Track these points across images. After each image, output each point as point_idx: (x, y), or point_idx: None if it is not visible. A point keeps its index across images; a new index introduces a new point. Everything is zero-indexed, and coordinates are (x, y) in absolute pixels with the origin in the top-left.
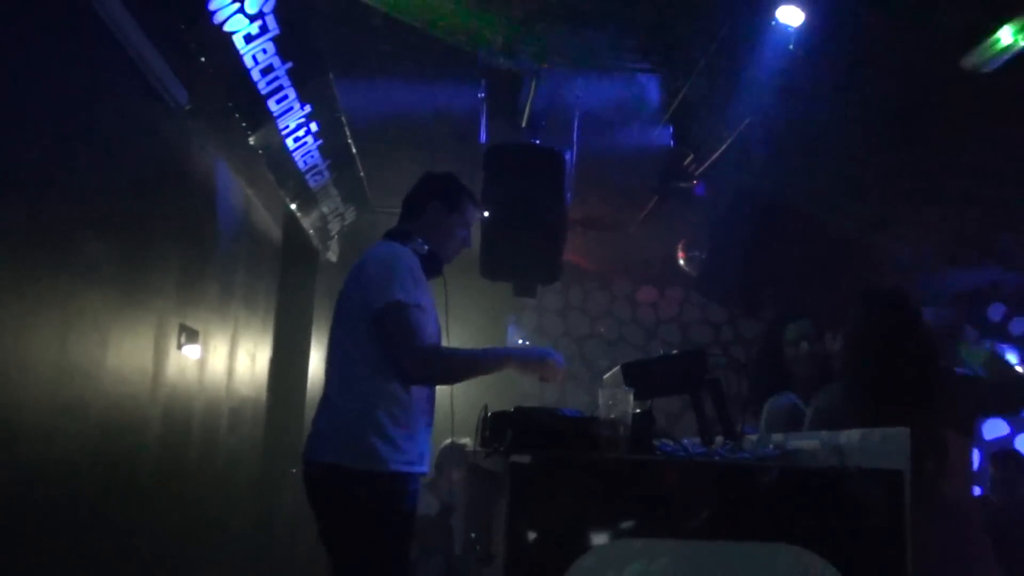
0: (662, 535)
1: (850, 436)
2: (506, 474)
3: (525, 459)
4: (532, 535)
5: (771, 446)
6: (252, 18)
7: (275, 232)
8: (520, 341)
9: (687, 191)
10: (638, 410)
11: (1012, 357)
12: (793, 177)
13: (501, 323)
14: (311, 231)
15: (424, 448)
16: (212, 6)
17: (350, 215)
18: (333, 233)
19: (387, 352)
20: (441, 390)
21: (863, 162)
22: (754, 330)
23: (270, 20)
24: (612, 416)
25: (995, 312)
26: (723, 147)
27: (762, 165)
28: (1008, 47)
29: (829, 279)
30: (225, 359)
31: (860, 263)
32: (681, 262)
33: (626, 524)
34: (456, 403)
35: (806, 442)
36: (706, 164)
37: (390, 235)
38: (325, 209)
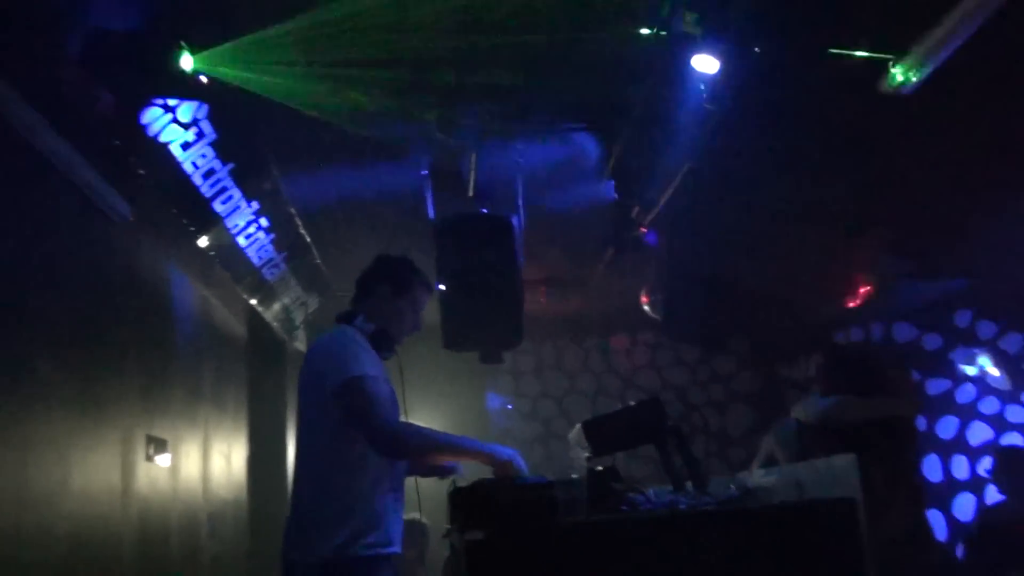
0: None
1: (806, 468)
2: (462, 552)
3: (478, 535)
4: None
5: (732, 487)
6: (186, 126)
7: (238, 328)
8: (509, 406)
9: (639, 240)
10: (599, 467)
11: (985, 360)
12: (735, 216)
13: (479, 391)
14: (275, 323)
15: (395, 529)
16: (145, 119)
17: (313, 303)
18: (298, 322)
19: (353, 426)
20: None
21: (805, 191)
22: (729, 365)
23: (205, 125)
24: (568, 479)
25: (962, 319)
26: (665, 196)
27: (705, 209)
28: (905, 82)
29: (787, 309)
30: (199, 464)
31: (819, 289)
32: (646, 308)
33: None
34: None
35: (766, 479)
36: (652, 214)
37: (337, 319)
38: (286, 300)
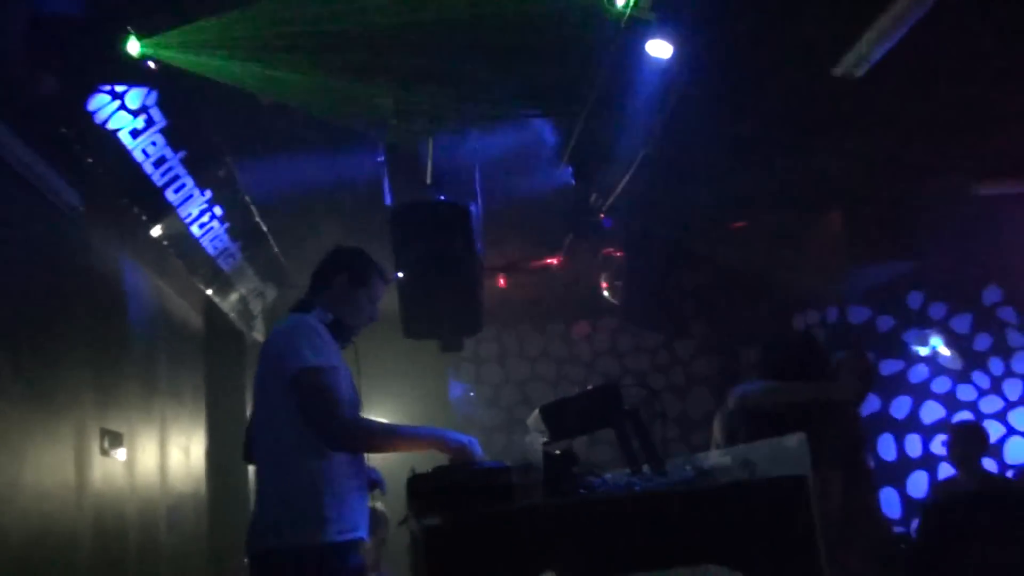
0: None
1: (757, 448)
2: (420, 538)
3: (435, 522)
4: None
5: (688, 469)
6: (135, 113)
7: (195, 319)
8: (472, 393)
9: (597, 226)
10: (558, 451)
11: (937, 340)
12: (692, 201)
13: (441, 378)
14: (232, 314)
15: (359, 514)
16: (92, 106)
17: (271, 293)
18: (256, 313)
19: (305, 419)
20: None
21: (761, 176)
22: (689, 350)
23: (155, 112)
24: (525, 463)
25: (914, 300)
26: (623, 181)
27: (663, 194)
28: (857, 65)
29: (746, 293)
30: (156, 457)
31: (773, 273)
32: (605, 293)
33: (550, 570)
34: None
35: (720, 459)
36: (611, 199)
37: (293, 308)
38: (244, 290)
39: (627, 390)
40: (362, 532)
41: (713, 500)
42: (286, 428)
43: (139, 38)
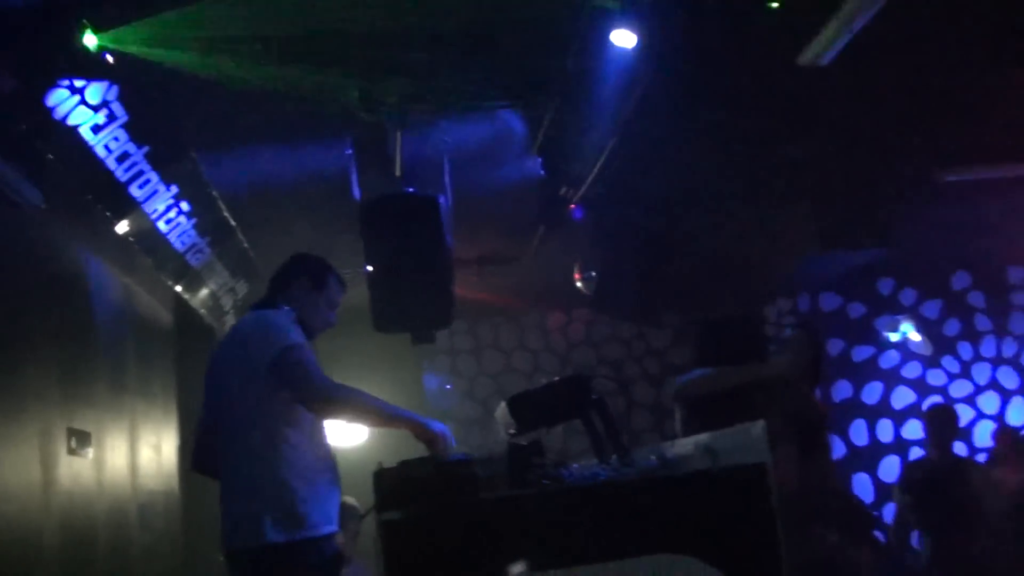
0: (550, 566)
1: (718, 437)
2: (379, 532)
3: (393, 515)
4: None
5: (653, 458)
6: (96, 108)
7: (164, 316)
8: (448, 386)
9: (568, 217)
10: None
11: (908, 326)
12: (663, 191)
13: (416, 372)
14: (203, 310)
15: (332, 507)
16: (50, 101)
17: (241, 288)
18: (227, 308)
19: (293, 389)
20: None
21: (720, 166)
22: (664, 340)
23: (116, 107)
24: (489, 455)
25: (885, 287)
26: (594, 171)
27: (634, 185)
28: (823, 52)
29: (718, 282)
30: (126, 456)
31: (744, 263)
32: (578, 284)
33: (510, 561)
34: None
35: (684, 449)
36: (581, 190)
37: (254, 306)
38: (214, 286)
39: (595, 381)
40: (335, 525)
41: (674, 489)
42: (258, 425)
43: (96, 31)
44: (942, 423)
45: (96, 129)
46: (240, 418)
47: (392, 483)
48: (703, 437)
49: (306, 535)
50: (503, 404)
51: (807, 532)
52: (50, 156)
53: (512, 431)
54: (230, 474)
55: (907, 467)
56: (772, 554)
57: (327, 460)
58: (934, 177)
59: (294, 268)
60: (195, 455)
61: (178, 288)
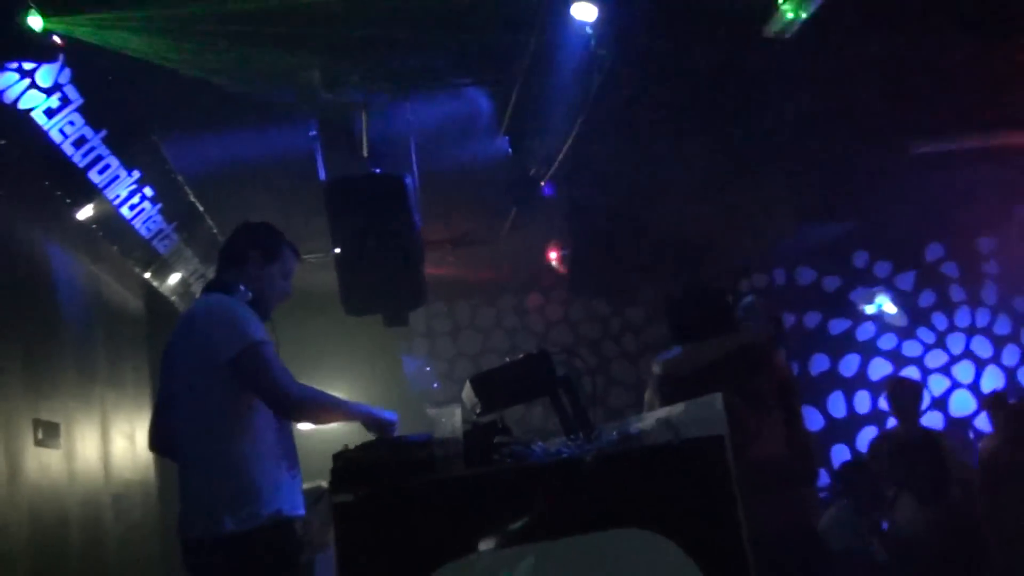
0: (510, 543)
1: (676, 410)
2: (332, 515)
3: (347, 498)
4: (366, 573)
5: (614, 433)
6: (48, 91)
7: (134, 304)
8: (428, 369)
9: (539, 195)
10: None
11: (883, 298)
12: (634, 167)
13: (395, 355)
14: (174, 297)
15: (292, 492)
16: None
17: (212, 274)
18: (198, 294)
19: (255, 391)
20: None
21: (691, 141)
22: (640, 316)
23: (70, 91)
24: (446, 435)
25: (859, 259)
26: (563, 149)
27: (603, 161)
28: (795, 19)
29: (692, 258)
30: (97, 446)
31: (717, 238)
32: (553, 263)
33: (467, 541)
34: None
35: (646, 424)
36: (552, 167)
37: (211, 288)
38: (184, 272)
39: (558, 357)
40: (299, 510)
41: (632, 464)
42: (214, 412)
43: (40, 12)
44: (903, 395)
45: (50, 113)
46: (196, 405)
47: (347, 465)
48: (663, 411)
49: (263, 523)
50: (467, 383)
51: (795, 494)
52: (2, 141)
53: (478, 411)
54: (186, 460)
55: (875, 440)
56: (731, 527)
57: (284, 446)
58: (905, 149)
59: (245, 241)
60: (151, 436)
61: (147, 275)
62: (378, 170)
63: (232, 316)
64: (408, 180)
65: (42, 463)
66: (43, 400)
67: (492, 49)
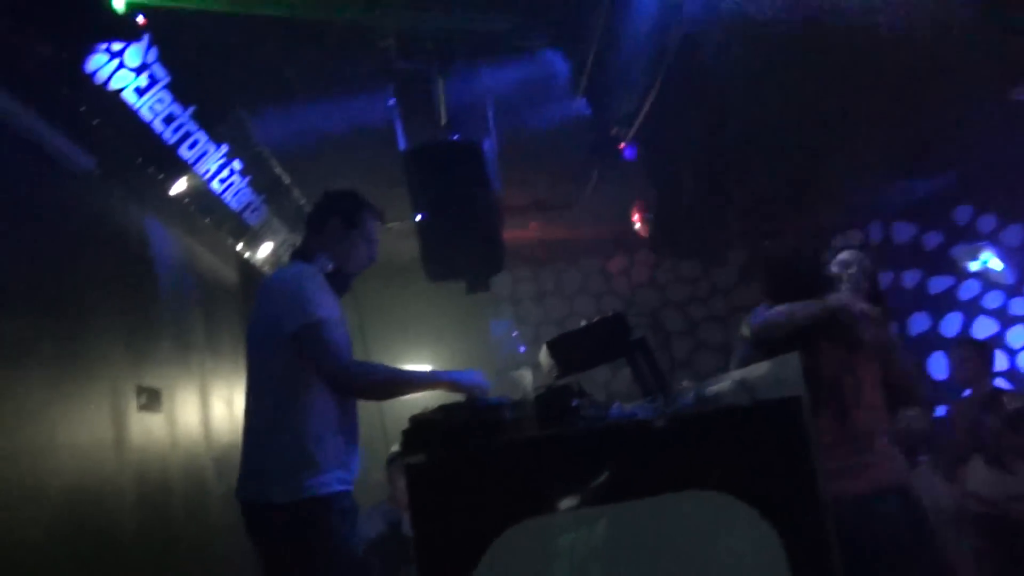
0: (583, 505)
1: (754, 371)
2: (406, 477)
3: (420, 459)
4: (438, 533)
5: (691, 395)
6: (136, 71)
7: (229, 274)
8: (515, 333)
9: (618, 157)
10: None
11: (988, 254)
12: (720, 125)
13: (483, 322)
14: (266, 267)
15: (346, 468)
16: (89, 67)
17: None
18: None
19: (312, 369)
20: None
21: (783, 96)
22: (729, 278)
23: (157, 69)
24: (518, 398)
25: (962, 214)
26: (644, 109)
27: (684, 121)
28: None
29: (784, 216)
30: (197, 411)
31: (812, 193)
32: (637, 226)
33: (539, 503)
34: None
35: (721, 385)
36: (633, 128)
37: (294, 256)
38: (274, 242)
39: (640, 320)
40: (349, 485)
41: (707, 426)
42: (276, 382)
43: None
44: (970, 357)
45: (139, 92)
46: (261, 374)
47: (418, 427)
48: (739, 373)
49: (313, 495)
50: (544, 347)
51: (896, 456)
52: (96, 122)
53: (555, 374)
54: (248, 426)
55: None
56: (810, 491)
57: (347, 421)
58: (1002, 95)
59: (325, 209)
60: None
61: (239, 246)
62: (456, 137)
63: (298, 289)
64: (486, 146)
65: (145, 427)
66: (145, 367)
67: (566, 8)
